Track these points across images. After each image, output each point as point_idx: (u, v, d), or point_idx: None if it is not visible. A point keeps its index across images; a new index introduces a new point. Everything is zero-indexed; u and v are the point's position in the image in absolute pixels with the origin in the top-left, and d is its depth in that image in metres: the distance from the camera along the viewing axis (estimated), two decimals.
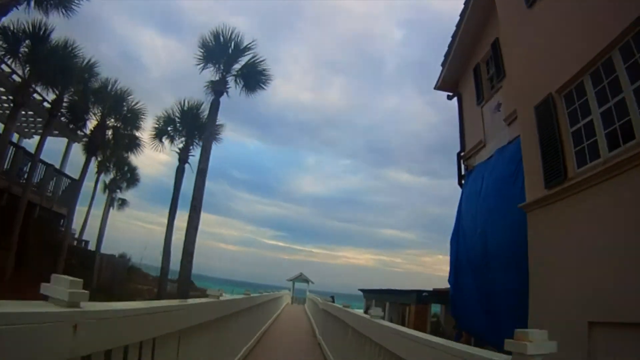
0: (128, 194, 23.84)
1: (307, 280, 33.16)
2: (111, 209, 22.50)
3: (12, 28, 12.02)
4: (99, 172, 19.53)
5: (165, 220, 15.50)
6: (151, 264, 20.23)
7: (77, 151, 17.31)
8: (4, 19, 11.34)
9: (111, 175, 21.67)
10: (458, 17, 9.91)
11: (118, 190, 22.86)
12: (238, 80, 15.49)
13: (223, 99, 15.06)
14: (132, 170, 22.74)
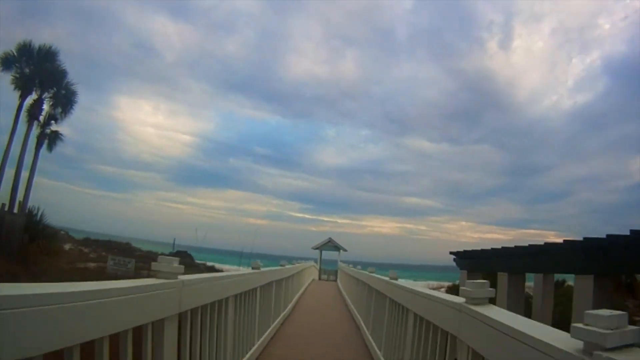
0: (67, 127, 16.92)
1: (337, 247, 27.07)
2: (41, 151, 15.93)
3: None
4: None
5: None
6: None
7: None
8: None
9: (35, 96, 14.64)
10: None
11: (52, 122, 16.21)
12: None
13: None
14: (68, 88, 15.75)
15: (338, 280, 19.11)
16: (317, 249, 27.42)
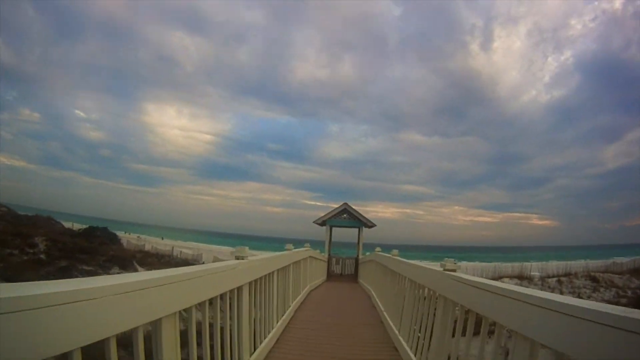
0: None
1: (357, 221, 16.48)
2: None
3: None
4: None
5: None
6: None
7: None
8: None
9: None
10: None
11: None
12: None
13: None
14: None
15: (362, 280, 11.82)
16: (322, 223, 16.58)
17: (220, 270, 2.37)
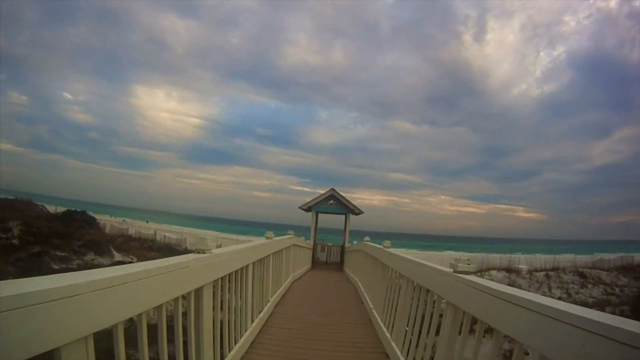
0: None
1: (345, 207, 16.00)
2: None
3: None
4: None
5: None
6: None
7: None
8: None
9: None
10: None
11: None
12: None
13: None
14: None
15: (347, 270, 11.49)
16: (308, 209, 16.10)
17: (167, 271, 1.78)
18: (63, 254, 11.21)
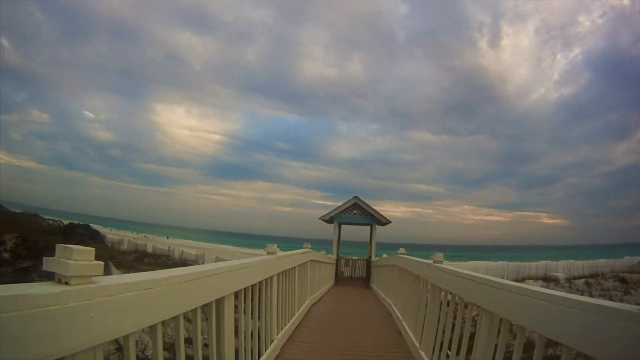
0: None
1: (370, 216, 14.21)
2: None
3: None
4: None
5: None
6: None
7: None
8: None
9: None
10: None
11: None
12: None
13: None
14: None
15: (375, 287, 9.99)
16: (329, 220, 14.28)
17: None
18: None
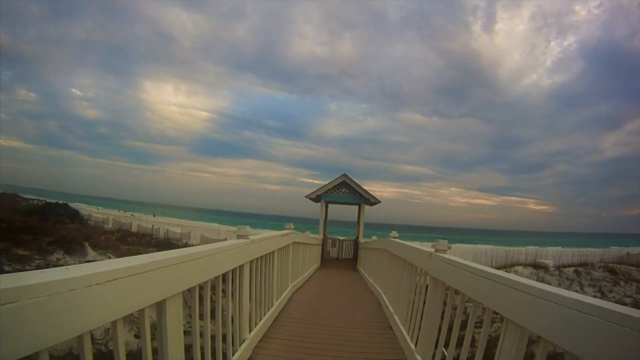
0: None
1: (361, 196, 13.89)
2: None
3: None
4: None
5: None
6: None
7: None
8: None
9: None
10: None
11: None
12: None
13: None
14: None
15: (363, 270, 9.83)
16: (316, 199, 13.97)
17: None
18: (25, 253, 9.45)
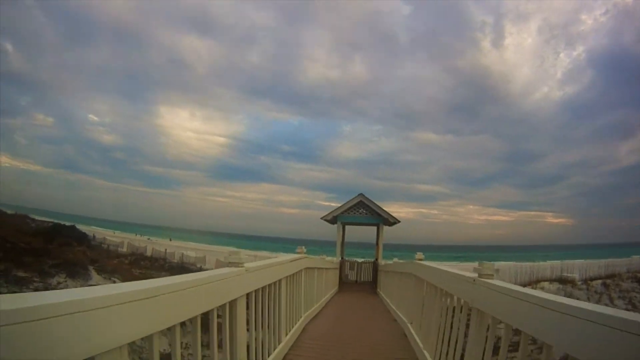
0: None
1: (379, 216, 13.18)
2: None
3: None
4: None
5: None
6: None
7: None
8: None
9: None
10: None
11: None
12: None
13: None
14: None
15: (384, 294, 9.12)
16: (332, 220, 13.23)
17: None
18: (25, 275, 9.03)
